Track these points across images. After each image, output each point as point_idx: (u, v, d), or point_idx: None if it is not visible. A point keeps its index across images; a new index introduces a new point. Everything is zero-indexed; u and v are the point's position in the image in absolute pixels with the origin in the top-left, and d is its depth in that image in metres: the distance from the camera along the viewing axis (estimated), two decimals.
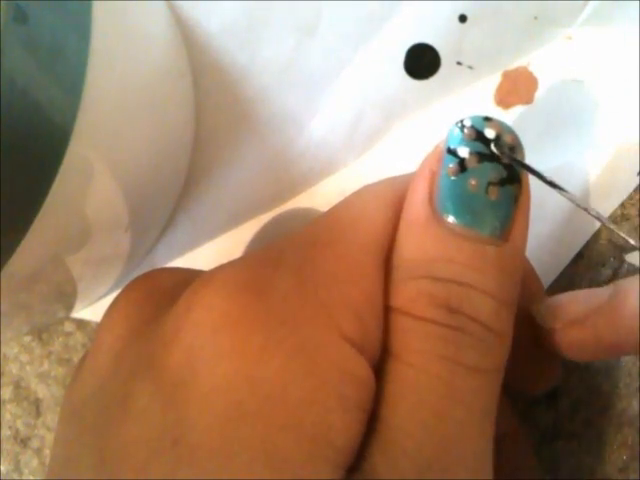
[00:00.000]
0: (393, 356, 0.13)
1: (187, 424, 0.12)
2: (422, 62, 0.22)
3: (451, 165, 0.14)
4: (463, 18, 0.21)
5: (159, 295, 0.15)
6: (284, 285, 0.13)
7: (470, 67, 0.22)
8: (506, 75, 0.22)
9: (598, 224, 0.21)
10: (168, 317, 0.13)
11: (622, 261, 0.21)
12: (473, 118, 0.14)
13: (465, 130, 0.14)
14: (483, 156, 0.14)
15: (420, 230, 0.14)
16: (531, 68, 0.22)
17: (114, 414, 0.13)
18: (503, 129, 0.14)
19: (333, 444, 0.12)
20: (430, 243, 0.13)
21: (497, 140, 0.14)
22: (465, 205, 0.13)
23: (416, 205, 0.14)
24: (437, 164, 0.14)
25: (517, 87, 0.22)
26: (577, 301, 0.15)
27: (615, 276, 0.21)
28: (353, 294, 0.13)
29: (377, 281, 0.14)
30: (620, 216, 0.21)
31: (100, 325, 0.15)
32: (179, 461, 0.12)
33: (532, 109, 0.22)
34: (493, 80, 0.22)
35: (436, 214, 0.13)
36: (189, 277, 0.14)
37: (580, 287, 0.22)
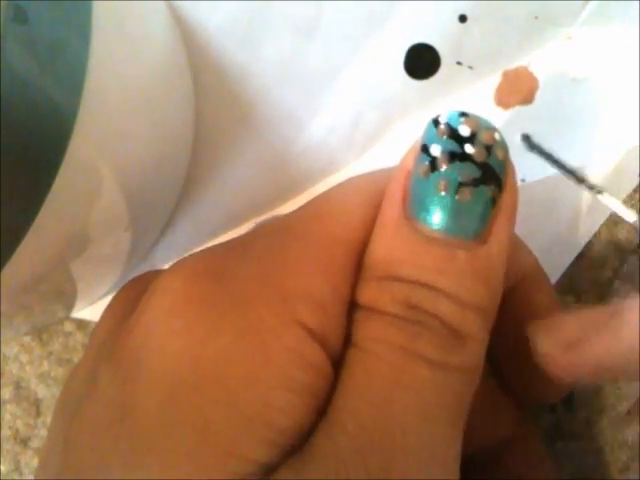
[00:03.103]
0: (353, 345, 0.13)
1: (134, 400, 0.12)
2: (422, 62, 0.22)
3: (423, 164, 0.13)
4: (463, 18, 0.21)
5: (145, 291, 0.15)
6: (246, 271, 0.13)
7: (470, 67, 0.22)
8: (506, 75, 0.22)
9: (598, 224, 0.21)
10: (139, 305, 0.14)
11: (622, 261, 0.21)
12: (449, 114, 0.13)
13: (439, 127, 0.13)
14: (455, 155, 0.13)
15: (390, 231, 0.13)
16: (531, 68, 0.22)
17: (81, 398, 0.13)
18: (480, 126, 0.13)
19: (271, 423, 0.12)
20: (398, 245, 0.13)
21: (473, 138, 0.13)
22: (435, 207, 0.13)
23: (389, 205, 0.14)
24: (412, 162, 0.13)
25: (517, 87, 0.22)
26: (573, 322, 0.15)
27: (615, 276, 0.21)
28: (316, 284, 0.13)
29: (345, 275, 0.13)
30: (620, 216, 0.21)
31: (97, 323, 0.16)
32: (122, 435, 0.12)
33: (532, 109, 0.22)
34: (493, 80, 0.22)
35: (407, 215, 0.13)
36: None
37: (580, 287, 0.22)
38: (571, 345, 0.14)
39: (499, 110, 0.22)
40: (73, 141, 0.14)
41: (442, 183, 0.13)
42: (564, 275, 0.21)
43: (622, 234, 0.21)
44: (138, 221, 0.20)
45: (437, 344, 0.13)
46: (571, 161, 0.21)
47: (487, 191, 0.13)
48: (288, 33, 0.22)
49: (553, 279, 0.21)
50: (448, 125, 0.13)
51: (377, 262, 0.13)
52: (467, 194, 0.13)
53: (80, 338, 0.24)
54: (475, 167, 0.13)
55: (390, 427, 0.12)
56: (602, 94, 0.21)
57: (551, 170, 0.21)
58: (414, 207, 0.13)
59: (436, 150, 0.13)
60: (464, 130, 0.13)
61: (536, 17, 0.21)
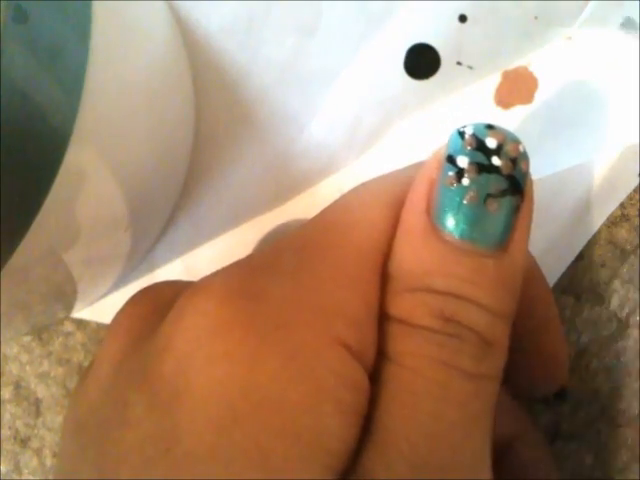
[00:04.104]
0: (389, 360, 0.13)
1: (180, 431, 0.12)
2: (422, 62, 0.22)
3: (449, 175, 0.13)
4: (463, 18, 0.21)
5: (161, 307, 0.15)
6: (279, 290, 0.13)
7: (470, 67, 0.22)
8: (506, 75, 0.22)
9: (598, 224, 0.21)
10: (162, 326, 0.13)
11: (622, 261, 0.21)
12: (475, 126, 0.13)
13: (466, 138, 0.13)
14: (483, 167, 0.13)
15: (417, 241, 0.13)
16: (531, 68, 0.22)
17: (112, 425, 0.13)
18: (506, 138, 0.13)
19: (328, 448, 0.12)
20: (427, 256, 0.13)
21: (499, 149, 0.13)
22: (463, 217, 0.13)
23: (414, 215, 0.14)
24: (436, 172, 0.13)
25: (517, 87, 0.22)
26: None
27: (615, 276, 0.21)
28: (350, 299, 0.13)
29: (374, 286, 0.13)
30: (620, 216, 0.21)
31: (104, 339, 0.15)
32: (172, 468, 0.12)
33: (532, 109, 0.22)
34: (493, 80, 0.22)
35: (434, 226, 0.13)
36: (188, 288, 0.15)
37: (580, 288, 0.22)
38: None
39: (499, 110, 0.22)
40: (73, 141, 0.14)
41: (471, 194, 0.13)
42: (564, 275, 0.21)
43: (622, 234, 0.21)
44: (138, 221, 0.20)
45: (475, 356, 0.13)
46: (570, 161, 0.21)
47: (512, 201, 0.13)
48: (288, 33, 0.22)
49: (553, 279, 0.21)
50: (475, 136, 0.13)
51: (407, 273, 0.13)
52: (495, 205, 0.13)
53: (80, 338, 0.24)
54: (502, 178, 0.13)
55: (441, 446, 0.12)
56: (602, 94, 0.21)
57: (550, 169, 0.21)
58: (441, 217, 0.13)
59: (463, 162, 0.13)
60: (491, 142, 0.13)
61: (536, 17, 0.21)
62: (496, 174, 0.13)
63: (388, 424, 0.13)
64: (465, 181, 0.13)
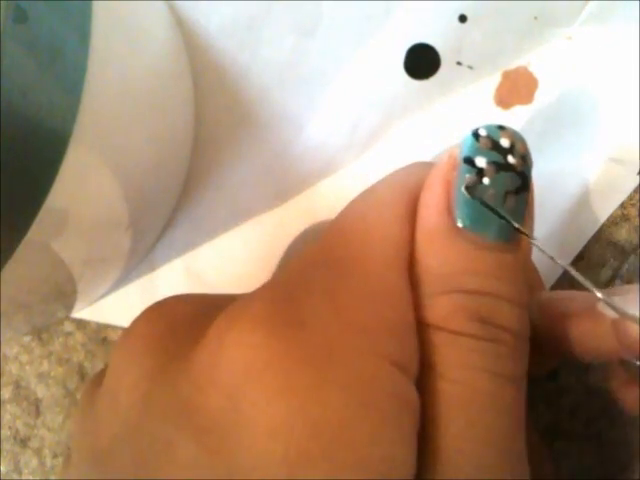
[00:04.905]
0: (434, 373, 0.13)
1: (241, 472, 0.11)
2: (422, 62, 0.22)
3: (468, 175, 0.13)
4: (463, 18, 0.21)
5: (181, 327, 0.14)
6: (320, 313, 0.13)
7: (470, 67, 0.22)
8: (506, 75, 0.22)
9: (598, 225, 0.21)
10: (199, 355, 0.13)
11: (622, 262, 0.21)
12: (488, 127, 0.14)
13: (481, 139, 0.14)
14: (500, 166, 0.14)
15: (442, 243, 0.13)
16: (531, 68, 0.22)
17: (155, 462, 0.12)
18: (516, 137, 0.14)
19: (398, 476, 0.12)
20: (454, 256, 0.13)
21: (512, 148, 0.14)
22: (485, 216, 0.13)
23: (434, 217, 0.14)
24: (452, 174, 0.14)
25: (517, 87, 0.22)
26: (575, 298, 0.16)
27: (615, 277, 0.21)
28: (388, 314, 0.13)
29: (407, 297, 0.13)
30: (620, 216, 0.21)
31: (117, 359, 0.14)
32: None
33: (532, 109, 0.22)
34: (493, 80, 0.22)
35: (456, 225, 0.13)
36: (208, 306, 0.14)
37: (580, 287, 0.22)
38: (574, 315, 0.15)
39: (499, 110, 0.22)
40: (73, 141, 0.14)
41: (491, 193, 0.13)
42: (564, 275, 0.21)
43: (622, 234, 0.21)
44: (138, 221, 0.20)
45: (513, 358, 0.13)
46: (571, 161, 0.21)
47: (525, 196, 0.14)
48: (288, 33, 0.22)
49: (553, 279, 0.21)
50: (489, 137, 0.14)
51: (436, 276, 0.13)
52: (513, 202, 0.14)
53: (80, 338, 0.24)
54: (516, 176, 0.14)
55: (494, 457, 0.12)
56: (602, 94, 0.21)
57: (550, 169, 0.21)
58: (463, 217, 0.13)
59: (481, 162, 0.14)
60: (505, 142, 0.14)
61: (536, 17, 0.21)
62: (512, 172, 0.14)
63: (445, 442, 0.12)
64: (486, 180, 0.13)
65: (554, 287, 0.21)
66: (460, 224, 0.13)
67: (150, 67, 0.18)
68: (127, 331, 0.15)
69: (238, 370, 0.12)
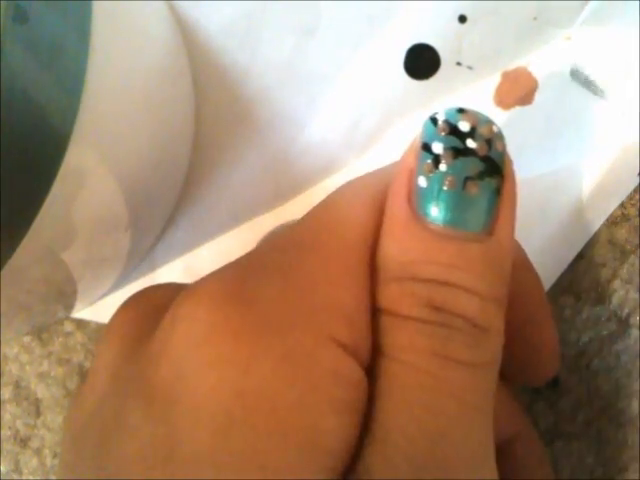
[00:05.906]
0: (382, 354, 0.13)
1: (177, 438, 0.12)
2: (422, 62, 0.22)
3: (427, 162, 0.13)
4: (463, 18, 0.21)
5: (154, 312, 0.15)
6: (270, 292, 0.13)
7: (470, 67, 0.22)
8: (506, 75, 0.22)
9: (598, 225, 0.21)
10: (157, 332, 0.13)
11: (622, 262, 0.21)
12: (447, 111, 0.13)
13: (439, 124, 0.13)
14: (458, 151, 0.13)
15: (401, 231, 0.13)
16: (531, 68, 0.22)
17: (109, 434, 0.13)
18: (479, 120, 0.13)
19: (326, 448, 0.12)
20: (411, 244, 0.13)
21: (473, 132, 0.13)
22: (443, 203, 0.13)
23: (397, 205, 0.14)
24: (414, 161, 0.13)
25: (517, 87, 0.22)
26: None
27: (615, 276, 0.21)
28: (341, 297, 0.13)
29: (364, 282, 0.13)
30: (620, 216, 0.21)
31: (98, 346, 0.15)
32: (171, 475, 0.12)
33: (532, 109, 0.22)
34: (493, 80, 0.22)
35: (416, 214, 0.13)
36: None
37: (580, 288, 0.22)
38: None
39: (499, 110, 0.22)
40: (73, 141, 0.14)
41: (449, 179, 0.13)
42: (564, 275, 0.21)
43: (622, 234, 0.21)
44: (138, 221, 0.20)
45: (467, 344, 0.13)
46: (571, 161, 0.21)
47: (492, 183, 0.13)
48: (288, 33, 0.22)
49: (552, 279, 0.21)
50: (447, 122, 0.13)
51: (392, 263, 0.13)
52: (474, 188, 0.13)
53: (80, 338, 0.24)
54: (478, 161, 0.13)
55: (441, 441, 0.12)
56: (601, 94, 0.22)
57: (550, 169, 0.21)
58: (422, 205, 0.13)
59: (438, 148, 0.13)
60: (464, 126, 0.13)
61: (535, 18, 0.21)
62: (472, 157, 0.13)
63: (384, 420, 0.12)
64: (442, 167, 0.13)
65: (553, 287, 0.21)
66: (420, 212, 0.13)
67: (150, 67, 0.18)
68: (109, 320, 0.16)
69: (183, 342, 0.13)
